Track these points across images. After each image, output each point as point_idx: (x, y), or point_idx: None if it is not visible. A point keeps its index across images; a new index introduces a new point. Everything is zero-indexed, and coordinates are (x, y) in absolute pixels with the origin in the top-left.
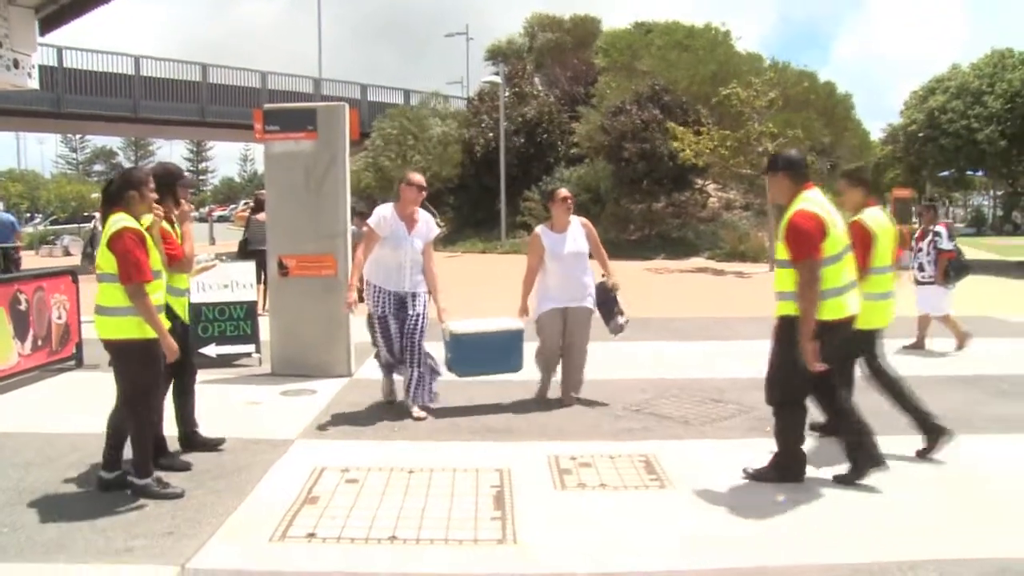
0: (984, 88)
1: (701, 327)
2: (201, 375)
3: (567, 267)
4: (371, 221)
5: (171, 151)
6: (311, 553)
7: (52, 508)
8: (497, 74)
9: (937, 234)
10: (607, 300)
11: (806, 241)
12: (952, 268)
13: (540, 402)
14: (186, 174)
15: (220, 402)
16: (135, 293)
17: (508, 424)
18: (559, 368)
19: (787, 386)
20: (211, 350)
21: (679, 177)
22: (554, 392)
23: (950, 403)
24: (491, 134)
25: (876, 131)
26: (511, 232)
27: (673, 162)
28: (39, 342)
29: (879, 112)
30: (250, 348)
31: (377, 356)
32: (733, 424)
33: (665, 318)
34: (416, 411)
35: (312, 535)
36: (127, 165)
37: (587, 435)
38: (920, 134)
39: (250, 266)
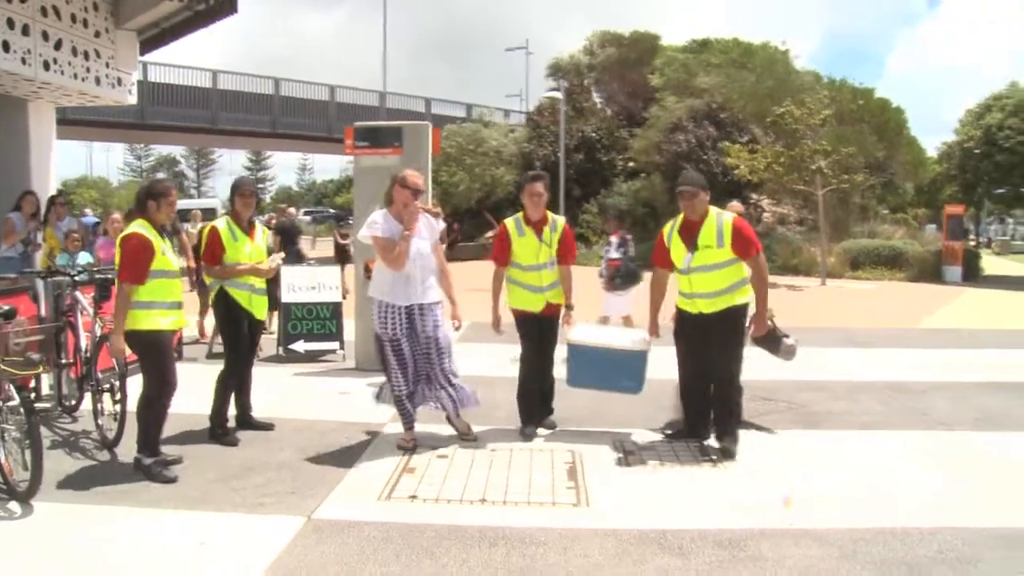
0: None
1: None
2: (293, 368)
3: None
4: (363, 232)
5: (231, 160)
6: (414, 510)
7: (187, 471)
8: (557, 89)
9: (609, 243)
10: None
11: (754, 238)
12: (619, 275)
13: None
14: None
15: (314, 391)
16: (119, 289)
17: (577, 415)
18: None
19: (740, 364)
20: (300, 346)
21: (734, 192)
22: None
23: (989, 405)
24: (551, 148)
25: (931, 147)
26: None
27: (727, 178)
28: None
29: (934, 127)
30: (335, 345)
31: (380, 393)
32: (782, 418)
33: None
34: (464, 427)
35: (414, 496)
36: (189, 174)
37: (649, 424)
38: (976, 151)
39: (336, 270)
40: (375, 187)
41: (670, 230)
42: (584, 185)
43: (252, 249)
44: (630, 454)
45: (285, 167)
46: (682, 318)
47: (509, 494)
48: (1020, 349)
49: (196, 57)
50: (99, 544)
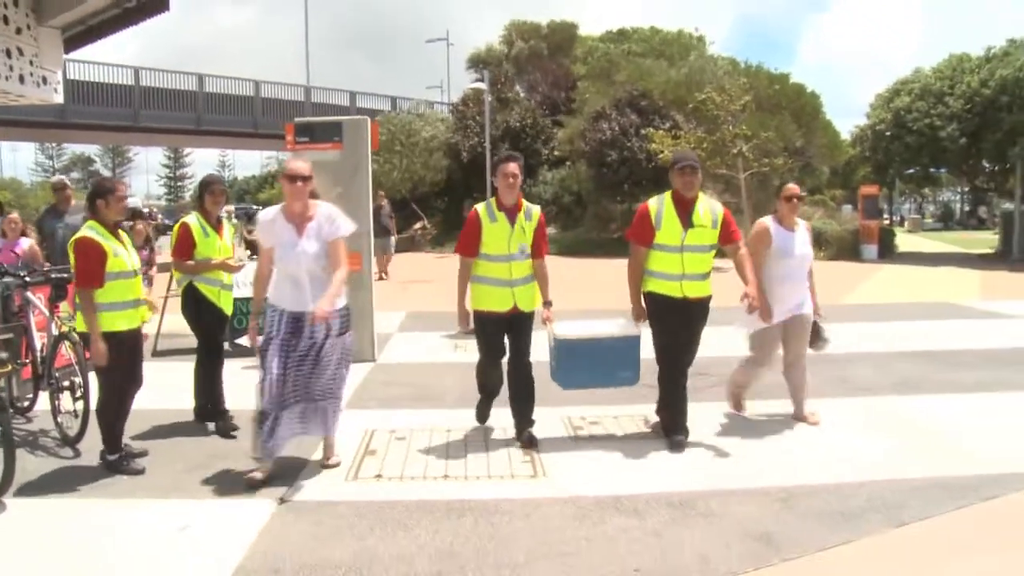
0: (945, 89)
1: None
2: (241, 362)
3: (794, 269)
4: (256, 230)
5: (148, 157)
6: (381, 488)
7: (154, 463)
8: (480, 80)
9: None
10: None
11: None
12: None
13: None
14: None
15: None
16: (79, 295)
17: None
18: None
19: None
20: (246, 340)
21: (658, 178)
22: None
23: (907, 372)
24: (477, 139)
25: (845, 130)
26: None
27: (652, 164)
28: None
29: (845, 111)
30: None
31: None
32: (721, 391)
33: None
34: (333, 458)
35: (379, 476)
36: (104, 173)
37: (595, 401)
38: (887, 133)
39: None
40: (317, 182)
41: (659, 207)
42: None
43: (221, 245)
44: (579, 428)
45: (204, 164)
46: (659, 302)
47: (469, 470)
48: (934, 320)
49: (111, 50)
50: (83, 535)
